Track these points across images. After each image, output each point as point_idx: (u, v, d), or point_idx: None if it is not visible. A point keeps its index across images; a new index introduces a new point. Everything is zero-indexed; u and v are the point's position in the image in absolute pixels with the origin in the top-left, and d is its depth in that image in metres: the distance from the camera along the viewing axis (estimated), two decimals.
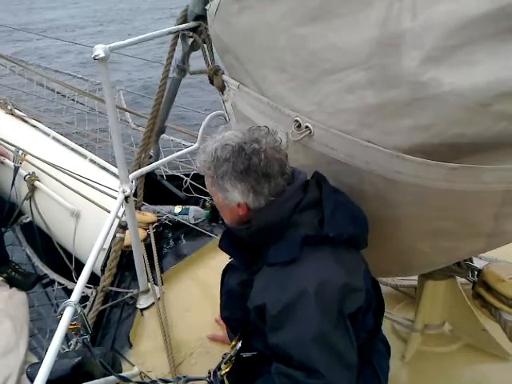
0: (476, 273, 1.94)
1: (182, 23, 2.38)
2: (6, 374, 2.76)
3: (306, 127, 1.51)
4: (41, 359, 2.88)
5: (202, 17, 2.34)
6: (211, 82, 2.36)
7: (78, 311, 1.64)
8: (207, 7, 2.00)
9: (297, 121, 1.53)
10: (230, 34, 1.84)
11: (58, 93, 5.48)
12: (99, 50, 1.83)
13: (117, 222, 2.56)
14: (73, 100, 5.45)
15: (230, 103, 2.20)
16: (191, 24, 2.36)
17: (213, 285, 2.50)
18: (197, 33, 2.37)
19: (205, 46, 2.40)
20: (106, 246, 3.12)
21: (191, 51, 2.53)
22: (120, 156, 2.10)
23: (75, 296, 1.63)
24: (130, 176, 2.22)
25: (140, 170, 2.39)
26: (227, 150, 1.34)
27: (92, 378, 1.73)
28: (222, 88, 2.25)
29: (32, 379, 1.68)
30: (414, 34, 1.16)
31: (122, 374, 1.86)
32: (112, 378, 1.75)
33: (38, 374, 1.36)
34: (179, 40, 2.50)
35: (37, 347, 3.18)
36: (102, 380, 1.74)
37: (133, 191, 2.23)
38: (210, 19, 1.99)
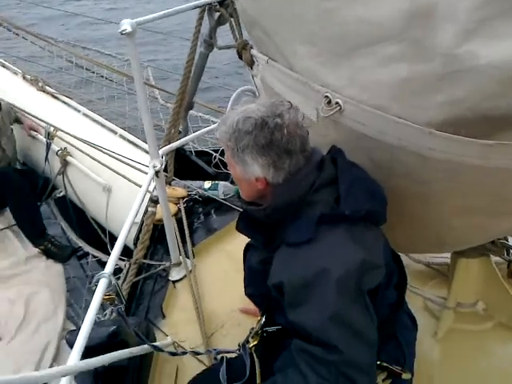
0: (511, 251, 1.92)
1: None
2: (46, 340, 2.90)
3: (337, 103, 1.48)
4: (78, 327, 3.02)
5: None
6: (240, 57, 2.34)
7: (112, 282, 1.71)
8: None
9: (327, 96, 1.51)
10: (257, 7, 1.81)
11: (86, 69, 5.53)
12: (126, 25, 1.85)
13: (148, 196, 2.62)
14: (102, 76, 5.49)
15: (260, 78, 2.18)
16: None
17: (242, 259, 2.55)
18: (223, 6, 2.35)
19: (232, 20, 2.38)
20: (138, 220, 3.20)
21: (218, 25, 2.51)
22: (150, 132, 2.13)
23: (109, 268, 1.69)
24: (160, 151, 2.26)
25: (169, 146, 2.42)
26: (249, 122, 1.34)
27: (127, 347, 1.80)
28: (250, 63, 2.23)
29: (71, 345, 1.77)
30: (447, 5, 1.14)
31: (156, 344, 1.94)
32: (146, 346, 1.82)
33: (76, 341, 1.42)
34: (205, 14, 2.49)
35: (73, 316, 3.30)
36: (136, 348, 1.81)
37: (163, 166, 2.26)
38: None
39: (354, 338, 1.24)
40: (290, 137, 1.33)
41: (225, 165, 3.36)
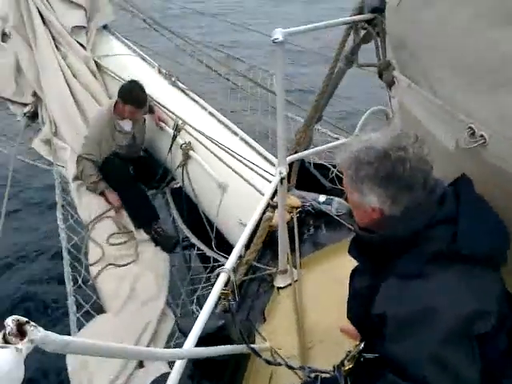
0: None
1: (357, 14, 2.38)
2: (147, 321, 3.05)
3: (481, 136, 1.43)
4: (177, 315, 3.14)
5: (378, 9, 2.32)
6: (380, 77, 2.33)
7: (231, 278, 1.76)
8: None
9: (471, 128, 1.44)
10: (410, 29, 1.79)
11: (214, 71, 5.77)
12: (278, 34, 1.91)
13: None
14: (227, 79, 5.70)
15: (397, 100, 2.15)
16: (367, 16, 2.35)
17: (348, 280, 2.51)
18: (371, 25, 2.36)
19: (378, 39, 2.37)
20: (246, 222, 3.28)
21: (362, 43, 2.52)
22: (282, 139, 2.17)
23: (230, 263, 1.75)
24: (288, 159, 2.29)
25: (297, 155, 2.46)
26: (371, 153, 1.33)
27: (229, 342, 1.84)
28: (390, 84, 2.21)
29: (181, 330, 1.85)
30: None
31: (254, 346, 1.96)
32: (244, 347, 1.85)
33: (193, 329, 1.48)
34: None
35: (171, 303, 3.45)
36: (238, 346, 1.85)
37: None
38: (389, 12, 1.95)
39: (450, 382, 1.19)
40: (412, 172, 1.30)
41: (341, 181, 3.33)
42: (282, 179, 2.22)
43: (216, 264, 3.48)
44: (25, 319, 0.76)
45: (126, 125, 4.08)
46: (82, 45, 5.07)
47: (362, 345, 1.67)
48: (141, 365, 2.84)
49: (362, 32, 2.48)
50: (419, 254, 1.32)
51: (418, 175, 1.32)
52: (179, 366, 1.37)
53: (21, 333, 0.75)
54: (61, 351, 0.82)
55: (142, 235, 3.86)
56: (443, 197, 1.38)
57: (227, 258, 3.34)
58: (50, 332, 0.78)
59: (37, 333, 0.75)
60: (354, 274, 1.77)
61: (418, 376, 1.20)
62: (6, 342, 0.73)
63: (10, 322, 0.75)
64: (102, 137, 3.99)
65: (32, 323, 0.76)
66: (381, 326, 1.37)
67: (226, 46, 7.98)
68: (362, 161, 1.34)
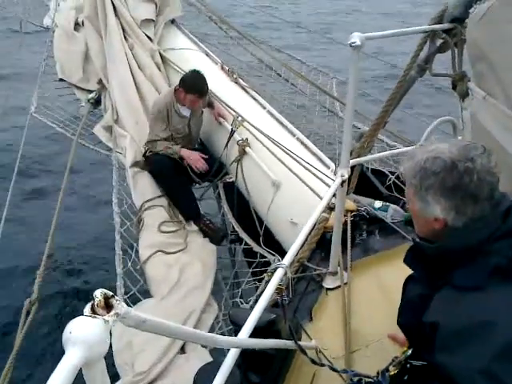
0: None
1: (436, 23, 2.35)
2: (191, 310, 3.10)
3: None
4: (220, 306, 3.15)
5: (459, 19, 2.29)
6: (453, 88, 2.30)
7: (288, 275, 1.76)
8: (471, 10, 1.94)
9: None
10: (494, 42, 1.76)
11: (274, 71, 5.80)
12: (356, 38, 1.92)
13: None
14: (286, 80, 5.72)
15: (469, 112, 2.12)
16: (446, 25, 2.33)
17: (398, 287, 2.46)
18: (450, 35, 2.33)
19: (455, 49, 2.34)
20: (297, 222, 3.28)
21: (437, 53, 2.50)
22: (347, 141, 2.16)
23: (287, 259, 1.75)
24: (351, 162, 2.28)
25: (360, 159, 2.45)
26: (438, 163, 1.32)
27: (277, 337, 1.85)
28: (464, 95, 2.19)
29: (233, 321, 1.87)
30: None
31: (302, 344, 1.96)
32: (292, 343, 1.85)
33: (247, 320, 1.49)
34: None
35: (215, 294, 3.49)
36: (286, 342, 1.85)
37: None
38: (471, 23, 1.93)
39: None
40: (479, 183, 1.29)
41: (398, 188, 3.29)
42: (342, 182, 2.21)
43: (262, 260, 3.50)
44: (110, 293, 0.80)
45: (185, 111, 4.16)
46: (149, 37, 5.21)
47: (410, 351, 1.65)
48: (182, 351, 2.89)
49: (439, 41, 2.45)
50: (479, 266, 1.30)
51: (485, 187, 1.30)
52: (234, 354, 1.39)
53: (107, 305, 0.79)
54: (136, 327, 0.86)
55: (191, 226, 3.93)
56: (508, 211, 1.35)
57: (274, 255, 3.38)
58: (130, 308, 0.82)
59: (121, 307, 0.78)
60: (408, 281, 1.76)
61: None
62: (93, 312, 0.77)
63: (98, 294, 0.79)
64: (161, 115, 4.08)
65: (117, 298, 0.79)
66: (431, 335, 1.35)
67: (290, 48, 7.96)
68: (427, 171, 1.34)
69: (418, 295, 1.59)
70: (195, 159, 4.07)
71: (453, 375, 1.22)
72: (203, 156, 4.11)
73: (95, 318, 0.76)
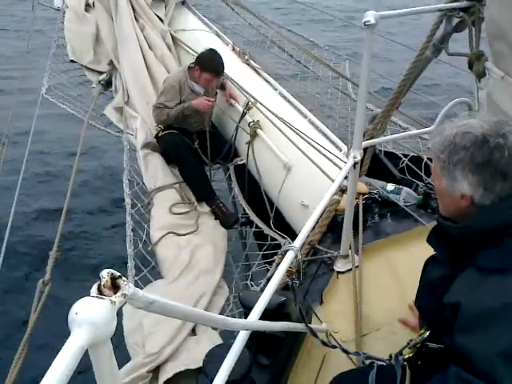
0: None
1: (453, 1, 2.29)
2: (202, 291, 3.10)
3: None
4: (231, 289, 3.15)
5: None
6: (469, 67, 2.24)
7: (298, 257, 1.75)
8: None
9: None
10: None
11: (286, 52, 5.71)
12: (370, 17, 1.87)
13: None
14: (298, 62, 5.62)
15: (486, 92, 2.07)
16: (464, 3, 2.25)
17: (409, 271, 2.44)
18: (468, 13, 2.27)
19: (473, 28, 2.28)
20: (308, 204, 3.26)
21: (454, 32, 2.43)
22: (360, 123, 2.12)
23: (298, 242, 1.73)
24: (364, 143, 2.24)
25: (372, 140, 2.41)
26: (468, 138, 1.29)
27: (288, 320, 1.84)
28: (480, 75, 2.13)
29: (244, 303, 1.86)
30: None
31: (312, 326, 1.95)
32: (302, 326, 1.84)
33: (257, 303, 1.48)
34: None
35: (225, 277, 3.49)
36: (296, 325, 1.85)
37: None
38: (489, 0, 1.86)
39: None
40: (509, 160, 1.26)
41: (411, 171, 3.24)
42: (355, 164, 2.17)
43: (273, 243, 3.48)
44: (118, 273, 0.78)
45: (199, 87, 4.12)
46: (159, 18, 5.16)
47: (427, 333, 1.63)
48: (193, 332, 2.90)
49: (455, 20, 2.39)
50: (505, 249, 1.28)
51: None
52: (243, 336, 1.39)
53: (114, 286, 0.77)
54: (144, 308, 0.84)
55: (203, 207, 3.91)
56: None
57: (284, 238, 3.36)
58: (137, 289, 0.80)
59: (128, 288, 0.77)
60: (429, 262, 1.73)
61: (485, 371, 1.17)
62: (100, 293, 0.76)
63: (105, 274, 0.77)
64: (174, 90, 4.03)
65: (124, 278, 0.78)
66: (451, 317, 1.34)
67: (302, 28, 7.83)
68: (457, 145, 1.31)
69: (440, 277, 1.57)
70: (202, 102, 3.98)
71: (471, 357, 1.21)
72: (209, 99, 4.02)
73: (102, 298, 0.75)
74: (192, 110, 4.01)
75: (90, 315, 0.73)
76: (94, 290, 0.77)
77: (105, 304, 0.74)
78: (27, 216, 5.58)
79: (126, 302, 0.78)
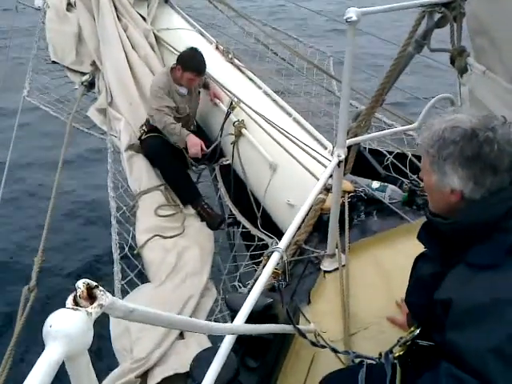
0: None
1: None
2: (190, 294, 3.07)
3: None
4: (219, 290, 3.12)
5: None
6: (451, 63, 2.25)
7: (284, 258, 1.73)
8: None
9: None
10: (494, 15, 1.70)
11: (271, 50, 5.69)
12: (352, 13, 1.85)
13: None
14: (283, 59, 5.60)
15: (468, 88, 2.07)
16: None
17: (396, 268, 2.45)
18: (449, 9, 2.27)
19: (454, 24, 2.28)
20: (294, 203, 3.24)
21: (435, 28, 2.43)
22: (343, 120, 2.11)
23: (283, 243, 1.71)
24: (348, 141, 2.23)
25: (356, 138, 2.39)
26: (457, 132, 1.28)
27: (275, 322, 1.82)
28: (462, 70, 2.14)
29: (230, 306, 1.84)
30: None
31: (300, 327, 1.94)
32: (290, 327, 1.83)
33: (243, 306, 1.46)
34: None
35: (213, 278, 3.46)
36: (284, 326, 1.83)
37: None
38: None
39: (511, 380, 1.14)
40: (499, 153, 1.25)
41: (396, 168, 3.24)
42: (339, 162, 2.16)
43: (260, 243, 3.46)
44: (94, 283, 0.76)
45: (183, 89, 4.07)
46: (142, 17, 5.11)
47: (418, 331, 1.63)
48: (181, 336, 2.87)
49: (437, 16, 2.39)
50: (495, 244, 1.27)
51: (505, 158, 1.27)
52: (230, 340, 1.37)
53: (90, 296, 0.75)
54: (124, 318, 0.82)
55: (189, 209, 3.89)
56: None
57: (271, 238, 3.34)
58: (115, 298, 0.78)
59: (105, 298, 0.75)
60: (419, 259, 1.73)
61: (477, 367, 1.16)
62: (76, 304, 0.73)
63: (80, 284, 0.75)
64: (163, 91, 3.97)
65: (101, 288, 0.76)
66: (442, 313, 1.33)
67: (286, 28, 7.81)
68: (446, 140, 1.30)
69: (430, 274, 1.56)
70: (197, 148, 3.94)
71: (463, 353, 1.20)
72: (203, 149, 3.98)
73: (77, 310, 0.73)
74: (182, 142, 3.97)
75: (64, 327, 0.70)
76: (69, 302, 0.75)
77: (80, 315, 0.72)
78: (10, 217, 5.50)
79: (103, 313, 0.76)
